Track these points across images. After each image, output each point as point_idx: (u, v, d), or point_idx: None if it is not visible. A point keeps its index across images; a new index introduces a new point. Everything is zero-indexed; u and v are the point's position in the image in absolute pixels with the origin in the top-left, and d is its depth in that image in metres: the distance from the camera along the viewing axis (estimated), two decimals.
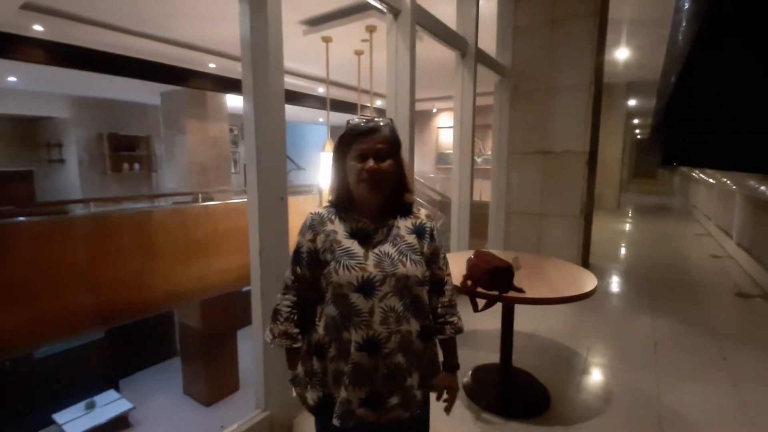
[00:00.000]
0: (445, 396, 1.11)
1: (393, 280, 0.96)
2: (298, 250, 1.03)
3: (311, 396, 1.02)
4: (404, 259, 0.98)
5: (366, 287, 0.95)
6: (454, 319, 1.10)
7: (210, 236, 4.75)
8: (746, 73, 0.62)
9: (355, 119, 1.01)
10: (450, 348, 1.13)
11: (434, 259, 1.06)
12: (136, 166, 8.15)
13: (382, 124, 0.99)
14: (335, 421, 0.96)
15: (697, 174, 7.88)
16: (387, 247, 0.99)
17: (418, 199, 1.18)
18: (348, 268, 0.95)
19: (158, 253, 4.24)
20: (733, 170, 4.14)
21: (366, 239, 0.99)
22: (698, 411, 2.04)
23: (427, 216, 1.08)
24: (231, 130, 7.84)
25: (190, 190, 6.72)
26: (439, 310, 1.09)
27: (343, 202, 1.03)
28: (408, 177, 1.05)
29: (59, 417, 5.67)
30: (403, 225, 1.03)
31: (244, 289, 5.86)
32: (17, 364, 5.54)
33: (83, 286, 3.60)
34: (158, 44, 4.71)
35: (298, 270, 1.03)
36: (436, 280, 1.08)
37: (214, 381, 6.04)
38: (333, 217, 1.03)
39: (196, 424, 5.77)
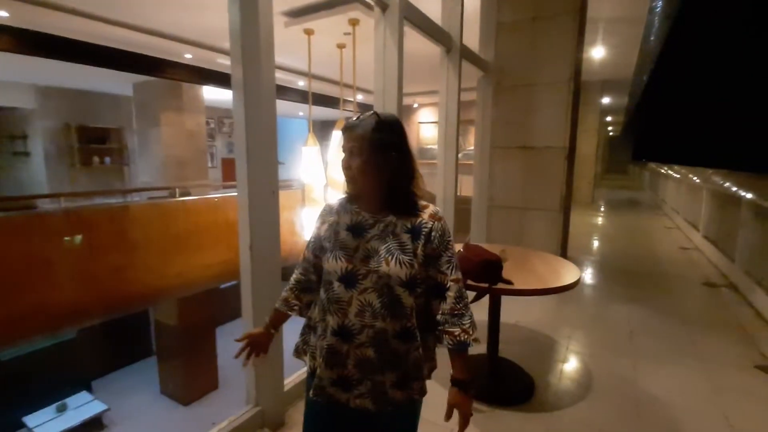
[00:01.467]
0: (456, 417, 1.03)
1: (375, 276, 0.97)
2: (312, 235, 1.12)
3: (308, 362, 1.11)
4: (389, 257, 0.97)
5: (348, 279, 0.99)
6: (455, 330, 1.00)
7: (188, 232, 4.62)
8: (713, 74, 0.65)
9: (351, 116, 1.07)
10: (453, 360, 1.04)
11: (433, 262, 1.01)
12: (107, 159, 7.82)
13: (358, 122, 1.01)
14: (311, 393, 1.05)
15: (665, 170, 8.23)
16: (377, 243, 1.00)
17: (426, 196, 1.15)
18: (337, 258, 1.00)
19: (134, 249, 4.11)
20: (700, 166, 4.35)
21: (361, 233, 1.02)
22: (672, 393, 2.15)
23: (431, 216, 1.03)
24: (208, 123, 7.63)
25: (165, 184, 6.51)
26: (439, 317, 1.02)
27: (349, 196, 1.09)
28: (409, 174, 1.04)
29: (30, 420, 5.45)
30: (401, 223, 1.01)
31: (223, 285, 5.76)
32: None
33: (52, 285, 3.45)
34: (131, 32, 4.51)
35: (307, 252, 1.13)
36: (434, 284, 1.03)
37: (192, 380, 5.92)
38: (341, 208, 1.08)
39: (174, 424, 5.66)
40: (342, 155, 1.04)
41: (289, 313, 1.15)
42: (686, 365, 2.45)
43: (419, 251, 0.99)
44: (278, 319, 1.18)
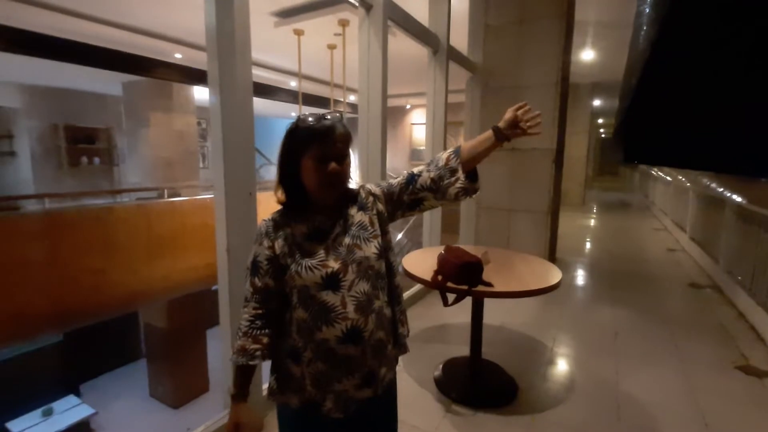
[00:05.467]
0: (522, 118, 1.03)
1: (354, 266, 0.96)
2: (255, 260, 0.99)
3: (294, 400, 1.01)
4: (358, 241, 0.98)
5: (332, 282, 0.95)
6: (456, 177, 1.02)
7: (177, 233, 4.58)
8: (701, 78, 0.66)
9: (306, 116, 0.96)
10: (481, 149, 1.04)
11: (392, 194, 1.06)
12: (96, 159, 7.73)
13: (336, 121, 0.96)
14: (336, 415, 0.98)
15: (655, 172, 8.31)
16: (342, 237, 0.99)
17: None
18: (310, 269, 0.95)
19: (120, 251, 4.06)
20: (689, 169, 4.39)
21: (324, 236, 0.99)
22: (652, 394, 2.16)
23: (360, 186, 1.08)
24: (199, 124, 7.58)
25: (155, 185, 6.45)
26: (434, 176, 1.03)
27: (297, 203, 1.01)
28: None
29: (14, 425, 5.36)
30: (353, 209, 1.03)
31: (214, 287, 5.71)
32: None
33: (37, 287, 3.39)
34: (120, 31, 4.47)
35: (257, 281, 0.99)
36: (406, 185, 1.06)
37: (182, 382, 5.86)
38: (287, 219, 1.00)
39: (164, 427, 5.60)
40: (315, 161, 0.94)
41: (251, 363, 0.97)
42: (668, 366, 2.46)
43: (374, 218, 1.02)
44: (246, 377, 1.00)
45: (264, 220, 1.02)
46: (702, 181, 4.47)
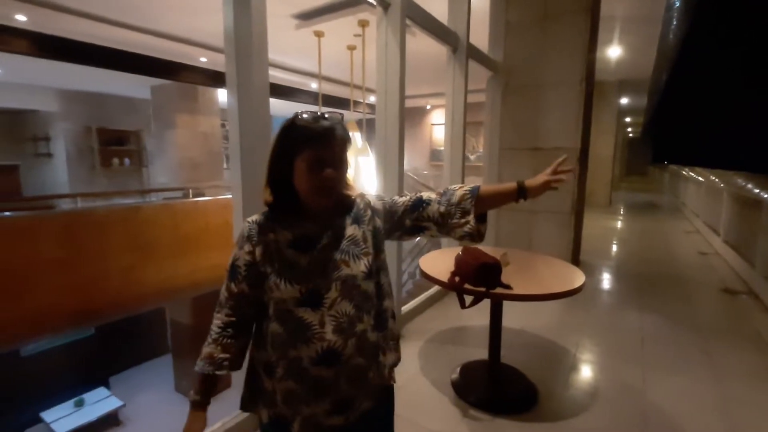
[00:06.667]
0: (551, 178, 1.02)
1: (338, 283, 0.89)
2: (233, 264, 0.93)
3: (264, 415, 0.97)
4: (346, 257, 0.90)
5: (312, 299, 0.87)
6: (467, 220, 0.97)
7: (201, 232, 4.70)
8: (736, 71, 0.62)
9: (303, 114, 0.89)
10: (490, 202, 1.02)
11: (394, 212, 0.99)
12: (127, 161, 8.04)
13: (335, 122, 0.89)
14: None
15: (686, 172, 7.97)
16: (330, 250, 0.90)
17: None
18: (289, 282, 0.87)
19: (148, 249, 4.19)
20: (723, 168, 4.18)
21: (310, 246, 0.90)
22: (681, 405, 2.06)
23: (360, 195, 1.00)
24: (223, 125, 7.76)
25: (180, 185, 6.65)
26: (442, 211, 0.98)
27: (285, 207, 0.92)
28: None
29: (47, 415, 5.61)
30: (346, 220, 0.95)
31: None
32: (3, 361, 5.46)
33: (70, 282, 3.54)
34: (148, 37, 4.63)
35: (233, 286, 0.92)
36: (411, 208, 1.00)
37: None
38: (273, 224, 0.92)
39: None
40: (309, 164, 0.87)
41: (218, 372, 0.92)
42: (698, 375, 2.34)
43: (368, 234, 0.95)
44: (210, 386, 0.95)
45: (247, 222, 0.94)
46: (737, 182, 4.24)
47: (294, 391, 0.90)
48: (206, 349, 0.93)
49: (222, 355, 0.92)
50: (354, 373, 0.92)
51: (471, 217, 0.97)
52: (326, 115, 0.89)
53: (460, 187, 1.00)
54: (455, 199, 0.98)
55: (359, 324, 0.91)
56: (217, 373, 0.92)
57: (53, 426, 5.42)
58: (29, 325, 3.34)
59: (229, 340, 0.93)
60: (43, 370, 5.99)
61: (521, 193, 1.00)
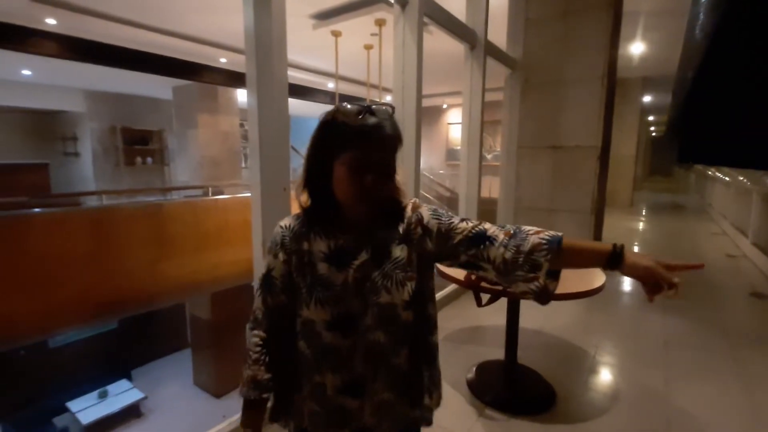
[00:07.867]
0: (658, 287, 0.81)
1: (375, 310, 0.78)
2: (269, 275, 0.83)
3: (291, 426, 0.92)
4: (388, 283, 0.78)
5: (344, 324, 0.79)
6: (534, 277, 0.76)
7: (221, 229, 4.79)
8: (766, 68, 0.59)
9: (348, 106, 0.75)
10: (566, 261, 0.78)
11: (449, 239, 0.81)
12: (149, 159, 8.27)
13: (384, 118, 0.75)
14: None
15: (713, 172, 7.70)
16: (369, 269, 0.79)
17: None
18: (320, 303, 0.78)
19: (171, 245, 4.30)
20: (752, 168, 4.03)
21: (346, 261, 0.79)
22: (707, 410, 1.99)
23: (413, 208, 0.84)
24: (241, 125, 7.89)
25: (201, 183, 6.80)
26: (500, 262, 0.78)
27: (321, 214, 0.81)
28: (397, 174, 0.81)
29: (73, 405, 5.81)
30: (392, 236, 0.81)
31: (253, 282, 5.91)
32: (32, 352, 5.69)
33: (97, 276, 3.67)
34: (170, 38, 4.75)
35: (269, 300, 0.84)
36: (470, 243, 0.80)
37: (224, 373, 6.13)
38: (308, 231, 0.82)
39: (206, 415, 5.87)
40: (350, 167, 0.74)
41: (264, 396, 0.84)
42: (725, 380, 2.26)
43: (414, 256, 0.81)
44: (259, 413, 0.86)
45: (280, 226, 0.84)
46: (767, 182, 4.08)
47: (317, 414, 0.85)
48: (248, 372, 0.84)
49: (266, 376, 0.84)
50: (381, 407, 0.84)
51: (542, 273, 0.76)
52: (373, 108, 0.74)
53: (537, 232, 0.79)
54: (526, 246, 0.77)
55: (393, 357, 0.82)
56: (264, 396, 0.84)
57: (78, 416, 5.62)
58: (58, 317, 3.47)
59: (270, 358, 0.85)
60: (69, 362, 6.21)
61: (614, 260, 0.78)
